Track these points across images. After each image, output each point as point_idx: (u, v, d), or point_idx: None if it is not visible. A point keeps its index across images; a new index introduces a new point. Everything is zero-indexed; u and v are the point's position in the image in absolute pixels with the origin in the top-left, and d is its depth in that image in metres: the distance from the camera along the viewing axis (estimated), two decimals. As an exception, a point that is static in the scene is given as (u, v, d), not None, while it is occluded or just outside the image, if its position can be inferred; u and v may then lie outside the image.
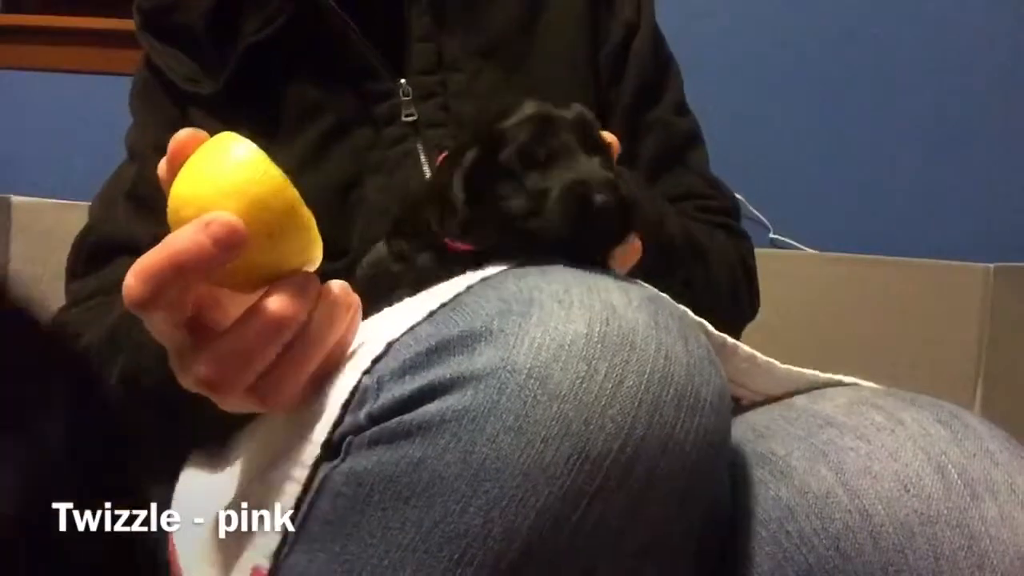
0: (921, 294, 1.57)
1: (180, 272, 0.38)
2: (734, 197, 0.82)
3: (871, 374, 0.58)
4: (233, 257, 0.38)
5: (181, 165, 0.42)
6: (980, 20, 1.69)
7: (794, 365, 0.77)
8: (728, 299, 0.73)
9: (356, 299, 0.44)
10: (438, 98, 0.71)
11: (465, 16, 0.74)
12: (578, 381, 0.38)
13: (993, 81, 1.69)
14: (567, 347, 0.38)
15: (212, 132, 0.69)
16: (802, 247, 1.61)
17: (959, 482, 0.42)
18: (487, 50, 0.74)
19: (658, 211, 0.67)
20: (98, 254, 0.70)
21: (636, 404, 0.38)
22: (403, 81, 0.71)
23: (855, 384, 0.54)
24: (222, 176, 0.40)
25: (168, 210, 0.41)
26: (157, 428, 0.57)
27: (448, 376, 0.39)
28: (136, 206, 0.70)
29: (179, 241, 0.38)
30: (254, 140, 0.69)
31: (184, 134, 0.42)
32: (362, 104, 0.71)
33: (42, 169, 1.86)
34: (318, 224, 0.60)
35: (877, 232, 1.67)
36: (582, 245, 0.48)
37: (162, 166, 0.42)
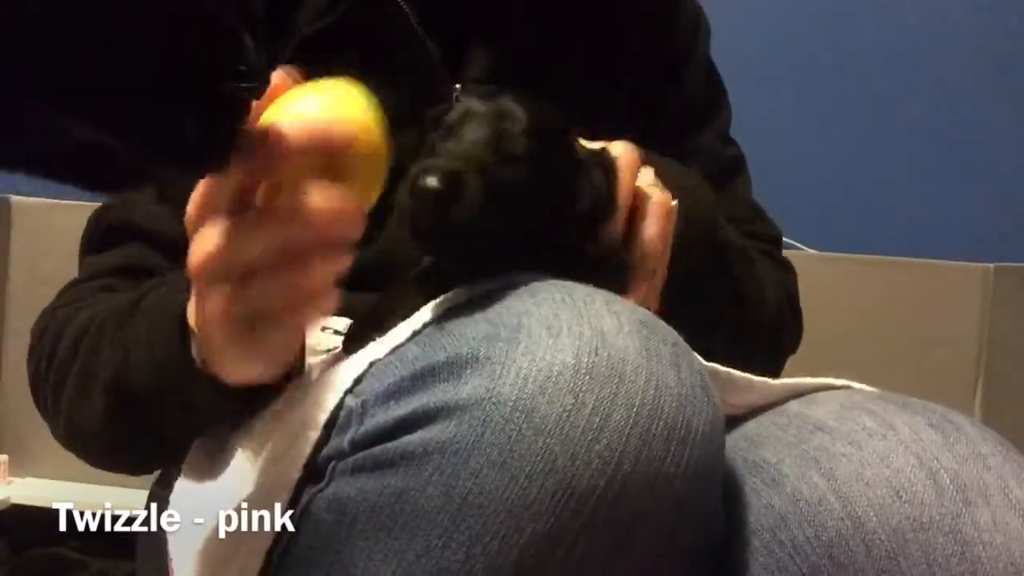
0: (921, 294, 1.56)
1: (314, 138, 0.39)
2: (777, 227, 0.82)
3: (870, 374, 0.58)
4: (339, 151, 0.40)
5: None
6: (981, 19, 1.69)
7: (794, 364, 0.77)
8: (774, 321, 0.71)
9: None
10: None
11: (528, 30, 0.72)
12: (564, 415, 0.37)
13: (993, 81, 1.69)
14: (554, 379, 0.38)
15: None
16: (802, 247, 1.61)
17: (951, 487, 0.42)
18: (545, 66, 0.72)
19: (711, 209, 0.64)
20: (114, 234, 0.69)
21: (624, 439, 0.37)
22: (457, 87, 0.70)
23: (847, 387, 0.54)
24: (333, 97, 0.43)
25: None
26: (143, 434, 0.56)
27: (432, 404, 0.39)
28: (159, 191, 0.69)
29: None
30: None
31: (282, 73, 0.44)
32: (412, 104, 0.70)
33: (42, 169, 1.86)
34: None
35: (877, 232, 1.67)
36: (426, 233, 0.44)
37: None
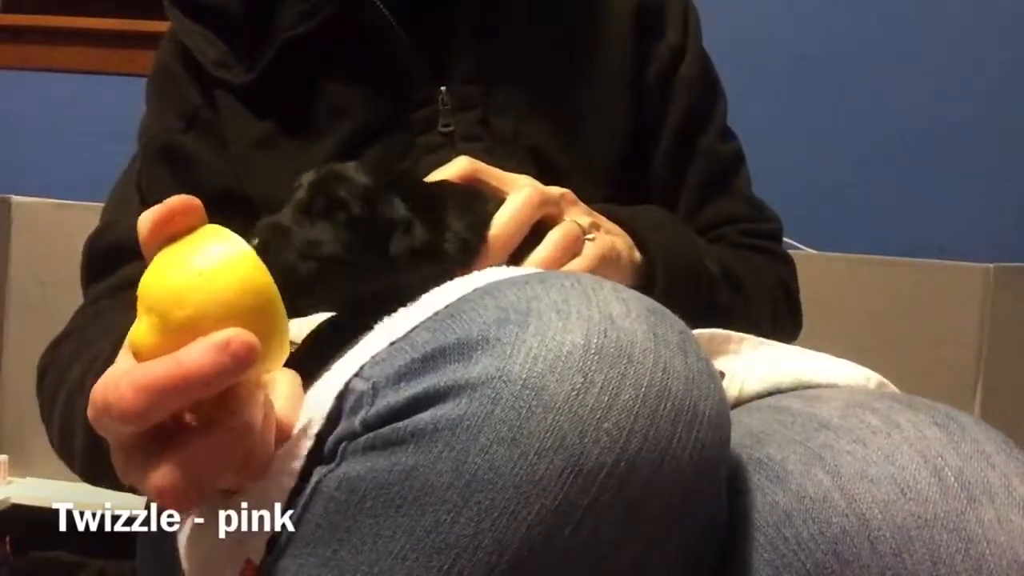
0: (921, 294, 1.57)
1: (190, 389, 0.36)
2: (778, 220, 0.83)
3: (870, 375, 0.58)
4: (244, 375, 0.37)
5: (166, 233, 0.40)
6: (980, 19, 1.69)
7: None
8: (768, 325, 0.72)
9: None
10: (477, 111, 0.70)
11: (513, 28, 0.72)
12: (573, 393, 0.37)
13: (993, 81, 1.69)
14: (563, 358, 0.38)
15: (241, 121, 0.71)
16: (802, 247, 1.61)
17: (956, 485, 0.42)
18: (532, 65, 0.72)
19: (696, 251, 0.66)
20: (112, 256, 0.69)
21: (632, 417, 0.37)
22: (443, 89, 0.70)
23: (849, 385, 0.54)
24: (218, 282, 0.38)
25: (151, 291, 0.39)
26: None
27: (443, 384, 0.39)
28: (144, 207, 0.70)
29: (194, 358, 0.36)
30: (285, 136, 0.69)
31: (178, 202, 0.40)
32: (399, 108, 0.70)
33: (42, 169, 1.86)
34: None
35: (877, 232, 1.67)
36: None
37: (145, 222, 0.40)
